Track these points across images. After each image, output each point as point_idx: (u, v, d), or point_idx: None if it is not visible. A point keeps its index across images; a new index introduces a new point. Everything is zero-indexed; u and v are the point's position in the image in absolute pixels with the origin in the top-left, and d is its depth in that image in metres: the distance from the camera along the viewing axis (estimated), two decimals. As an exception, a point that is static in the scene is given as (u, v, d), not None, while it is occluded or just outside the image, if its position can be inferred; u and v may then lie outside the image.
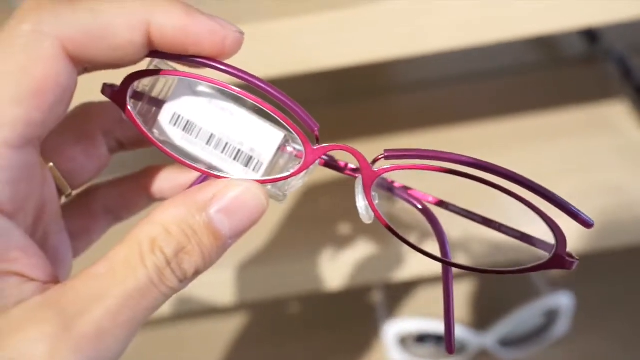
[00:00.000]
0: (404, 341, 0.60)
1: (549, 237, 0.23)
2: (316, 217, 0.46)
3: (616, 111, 0.53)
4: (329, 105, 0.58)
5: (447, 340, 0.25)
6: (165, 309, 0.45)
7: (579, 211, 0.21)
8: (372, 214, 0.23)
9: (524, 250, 0.42)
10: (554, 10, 0.34)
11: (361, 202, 0.23)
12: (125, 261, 0.19)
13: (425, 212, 0.27)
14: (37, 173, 0.21)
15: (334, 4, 0.33)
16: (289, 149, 0.24)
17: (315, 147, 0.22)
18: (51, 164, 0.24)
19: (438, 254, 0.25)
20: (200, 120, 0.23)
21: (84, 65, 0.20)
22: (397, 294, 0.65)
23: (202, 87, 0.23)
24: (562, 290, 0.59)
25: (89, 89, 0.23)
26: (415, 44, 0.34)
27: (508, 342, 0.60)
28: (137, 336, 0.20)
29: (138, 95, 0.23)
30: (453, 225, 0.32)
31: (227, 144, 0.23)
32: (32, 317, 0.18)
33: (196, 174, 0.24)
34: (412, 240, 0.24)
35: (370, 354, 0.63)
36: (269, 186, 0.23)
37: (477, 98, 0.58)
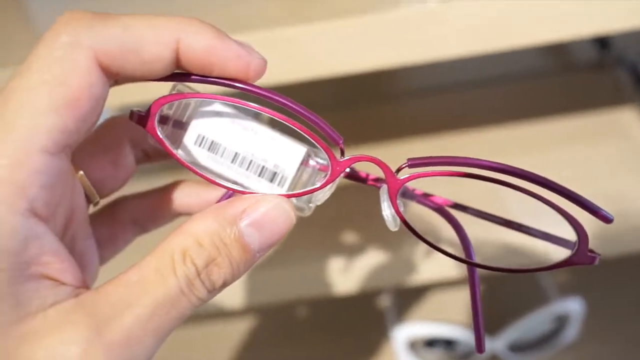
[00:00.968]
0: (413, 345, 0.61)
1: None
2: (325, 222, 0.46)
3: (627, 118, 0.53)
4: (337, 110, 0.58)
5: (477, 341, 0.26)
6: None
7: (599, 207, 0.22)
8: (399, 222, 0.24)
9: (538, 254, 0.42)
10: (565, 18, 0.34)
11: (387, 211, 0.24)
12: (157, 270, 0.20)
13: (449, 217, 0.28)
14: (68, 180, 0.22)
15: (344, 11, 0.34)
16: (312, 162, 0.24)
17: (341, 160, 0.23)
18: (81, 172, 0.25)
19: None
20: (224, 140, 0.23)
21: (115, 77, 0.21)
22: (407, 299, 0.65)
23: (224, 107, 0.23)
24: (572, 296, 0.59)
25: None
26: (427, 51, 0.34)
27: (518, 348, 0.60)
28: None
29: (163, 119, 0.23)
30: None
31: (251, 161, 0.24)
32: (67, 319, 0.19)
33: (223, 190, 0.25)
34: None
35: (380, 358, 0.63)
36: (295, 200, 0.24)
37: (487, 104, 0.58)
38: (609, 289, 0.63)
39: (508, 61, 0.60)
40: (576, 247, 0.23)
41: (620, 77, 0.58)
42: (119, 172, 0.27)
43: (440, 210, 0.28)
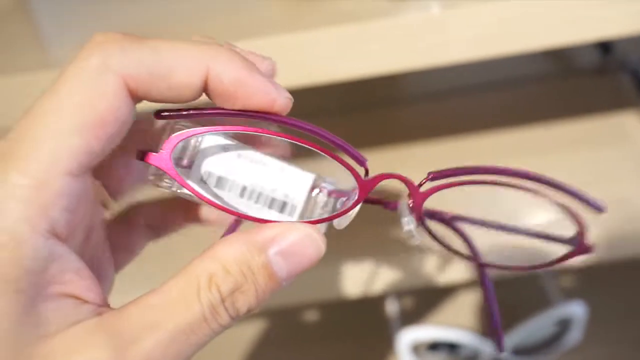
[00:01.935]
0: (417, 349, 0.61)
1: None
2: (331, 228, 0.47)
3: (629, 122, 0.53)
4: (339, 116, 0.58)
5: (497, 341, 0.28)
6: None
7: (591, 197, 0.22)
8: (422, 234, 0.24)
9: (543, 255, 0.42)
10: (568, 23, 0.34)
11: (410, 226, 0.24)
12: (181, 294, 0.20)
13: (455, 228, 0.28)
14: (90, 199, 0.22)
15: (346, 18, 0.34)
16: (324, 186, 0.24)
17: (366, 179, 0.22)
18: (99, 182, 0.25)
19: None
20: (231, 175, 0.23)
21: (141, 100, 0.21)
22: (410, 302, 0.65)
23: (228, 140, 0.23)
24: (574, 299, 0.59)
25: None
26: (429, 57, 0.34)
27: (521, 351, 0.60)
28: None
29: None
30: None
31: (260, 193, 0.23)
32: (88, 339, 0.19)
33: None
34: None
35: (383, 361, 0.63)
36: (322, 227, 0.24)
37: (489, 109, 0.58)
38: (612, 293, 0.63)
39: (510, 66, 0.60)
40: (577, 239, 0.24)
41: (623, 82, 0.58)
42: (131, 176, 0.27)
43: (448, 223, 0.28)
